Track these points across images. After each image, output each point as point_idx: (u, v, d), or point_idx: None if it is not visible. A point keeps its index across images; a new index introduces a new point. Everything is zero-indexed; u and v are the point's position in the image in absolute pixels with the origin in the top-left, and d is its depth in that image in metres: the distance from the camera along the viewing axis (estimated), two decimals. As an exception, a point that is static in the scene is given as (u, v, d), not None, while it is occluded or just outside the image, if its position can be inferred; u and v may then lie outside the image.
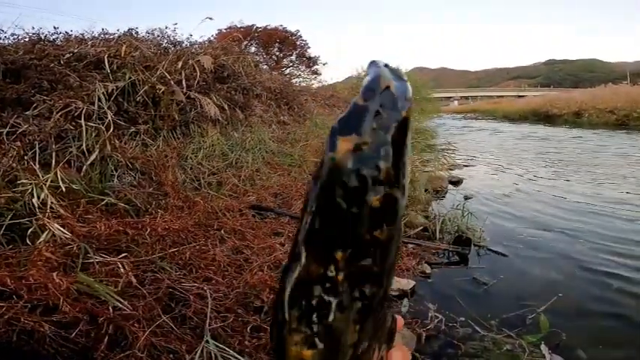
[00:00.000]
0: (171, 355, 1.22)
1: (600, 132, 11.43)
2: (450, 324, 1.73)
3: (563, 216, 3.44)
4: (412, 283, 1.96)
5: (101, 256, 1.68)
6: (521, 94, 43.94)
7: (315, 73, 18.84)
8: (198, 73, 4.29)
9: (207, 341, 1.24)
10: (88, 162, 2.70)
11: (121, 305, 1.34)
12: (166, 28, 5.01)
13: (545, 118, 17.86)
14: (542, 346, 1.58)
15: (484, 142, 9.79)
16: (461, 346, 1.60)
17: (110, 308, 1.32)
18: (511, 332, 1.68)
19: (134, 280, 1.50)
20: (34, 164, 2.38)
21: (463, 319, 1.78)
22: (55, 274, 1.36)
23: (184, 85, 3.93)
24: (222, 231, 2.01)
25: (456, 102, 46.26)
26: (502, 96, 44.29)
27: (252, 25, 18.34)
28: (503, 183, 4.83)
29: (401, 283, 1.92)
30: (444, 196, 3.86)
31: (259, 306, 1.49)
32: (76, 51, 3.59)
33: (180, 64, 4.25)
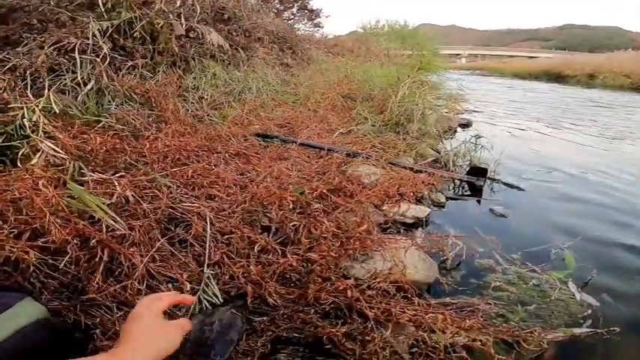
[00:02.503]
0: (169, 285, 1.11)
1: (615, 93, 11.03)
2: (471, 253, 1.63)
3: (577, 158, 3.32)
4: (427, 210, 1.86)
5: (97, 173, 1.57)
6: (533, 55, 42.24)
7: (318, 26, 17.98)
8: (198, 11, 4.01)
9: (204, 272, 1.15)
10: (84, 91, 2.55)
11: (115, 225, 1.19)
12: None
13: (557, 78, 17.24)
14: (570, 284, 1.49)
15: (492, 94, 9.46)
16: (484, 277, 1.51)
17: (104, 227, 1.17)
18: (535, 267, 1.58)
19: (131, 195, 1.37)
20: (27, 92, 2.24)
21: (483, 249, 1.68)
22: (41, 183, 1.24)
23: (183, 21, 3.68)
24: (226, 154, 1.89)
25: (463, 59, 44.61)
26: (513, 56, 42.60)
27: (250, -24, 17.24)
28: (513, 127, 4.68)
29: (416, 210, 1.82)
30: (453, 136, 3.71)
31: (267, 225, 1.38)
32: None
33: (178, 2, 3.97)
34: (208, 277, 1.15)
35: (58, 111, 2.10)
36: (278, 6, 18.62)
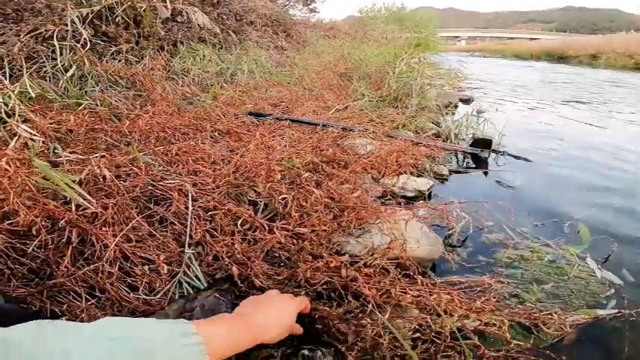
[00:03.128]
0: (145, 267, 0.99)
1: (617, 72, 10.78)
2: (478, 228, 1.50)
3: (586, 132, 3.18)
4: (430, 183, 1.74)
5: (73, 154, 1.46)
6: (534, 36, 41.58)
7: (313, 11, 17.64)
8: (185, -6, 3.86)
9: (185, 252, 1.04)
10: (66, 77, 2.44)
11: (85, 203, 1.07)
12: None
13: (559, 59, 16.94)
14: (589, 260, 1.35)
15: (492, 73, 9.24)
16: (494, 253, 1.39)
17: (73, 208, 1.05)
18: (549, 241, 1.45)
19: (107, 173, 1.25)
20: (4, 80, 2.13)
21: (492, 223, 1.55)
22: (5, 161, 1.13)
23: (168, 3, 3.54)
24: (215, 132, 1.77)
25: (463, 42, 43.97)
26: (513, 38, 41.93)
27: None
28: (517, 103, 4.54)
29: (417, 182, 1.70)
30: (454, 111, 3.56)
31: (254, 199, 1.25)
32: None
33: (163, -16, 3.81)
34: (189, 258, 1.04)
35: (34, 95, 1.99)
36: (272, -8, 18.33)
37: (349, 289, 1.03)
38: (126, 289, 0.95)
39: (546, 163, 2.31)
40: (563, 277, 1.28)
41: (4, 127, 1.75)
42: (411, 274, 1.13)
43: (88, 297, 0.92)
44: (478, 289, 1.17)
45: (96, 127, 1.64)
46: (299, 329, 0.80)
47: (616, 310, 1.12)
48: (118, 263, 0.98)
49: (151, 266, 1.00)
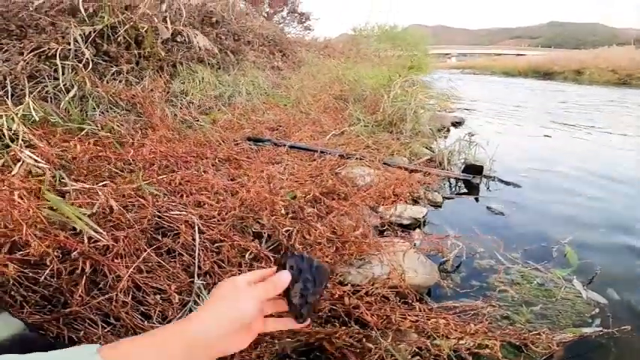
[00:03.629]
0: (157, 297, 1.04)
1: (601, 88, 11.16)
2: (471, 254, 1.59)
3: (572, 153, 3.31)
4: (424, 210, 1.81)
5: (79, 182, 1.50)
6: (521, 52, 42.79)
7: (308, 29, 17.98)
8: (184, 15, 3.94)
9: (195, 282, 1.08)
10: (67, 98, 2.47)
11: (97, 236, 1.12)
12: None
13: (545, 75, 17.47)
14: (575, 281, 1.44)
15: (483, 91, 9.50)
16: (486, 278, 1.46)
17: (85, 239, 1.10)
18: (538, 265, 1.54)
19: (115, 205, 1.30)
20: (7, 100, 2.16)
21: (483, 250, 1.64)
22: (17, 194, 1.17)
23: (169, 24, 3.61)
24: (216, 160, 1.82)
25: (453, 59, 45.10)
26: (501, 54, 43.10)
27: (239, -20, 17.28)
28: (505, 125, 4.68)
29: (413, 210, 1.77)
30: (447, 135, 3.68)
31: (258, 231, 1.31)
32: None
33: (164, 6, 3.89)
34: (199, 288, 1.09)
35: (37, 119, 2.02)
36: (267, 9, 18.60)
37: (352, 316, 1.10)
38: (140, 317, 0.99)
39: (535, 188, 2.40)
40: (551, 299, 1.36)
41: (7, 152, 1.77)
42: (410, 301, 1.22)
43: (103, 324, 0.95)
44: (472, 312, 1.26)
45: (100, 154, 1.67)
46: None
47: (600, 328, 1.21)
48: (131, 293, 1.02)
49: (162, 295, 1.04)
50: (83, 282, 1.01)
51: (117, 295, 1.00)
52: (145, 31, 3.32)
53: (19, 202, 1.18)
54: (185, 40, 3.67)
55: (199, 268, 1.14)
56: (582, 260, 1.58)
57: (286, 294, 0.51)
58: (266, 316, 0.54)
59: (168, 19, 3.60)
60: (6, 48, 2.64)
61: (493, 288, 1.40)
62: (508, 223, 1.93)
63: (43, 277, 1.01)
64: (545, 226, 1.90)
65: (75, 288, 1.00)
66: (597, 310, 1.31)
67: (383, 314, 1.15)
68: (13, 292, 0.98)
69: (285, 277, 0.50)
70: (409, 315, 1.16)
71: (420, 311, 1.18)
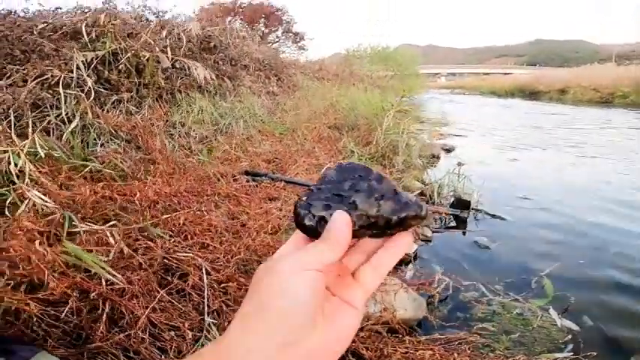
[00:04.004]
0: (172, 333, 1.15)
1: (585, 109, 11.57)
2: (457, 287, 1.70)
3: (554, 181, 3.47)
4: (415, 246, 1.91)
5: (87, 225, 1.57)
6: (507, 71, 44.11)
7: (302, 48, 18.34)
8: (184, 42, 4.06)
9: (205, 320, 1.17)
10: (69, 129, 2.53)
11: (113, 279, 1.23)
12: (148, -1, 4.71)
13: (531, 94, 18.04)
14: (552, 311, 1.57)
15: (473, 114, 9.80)
16: (470, 309, 1.58)
17: (103, 282, 1.20)
18: (518, 296, 1.66)
19: (126, 249, 1.39)
20: (10, 132, 2.21)
21: (468, 282, 1.75)
22: (37, 242, 1.25)
23: (169, 53, 3.72)
24: (216, 196, 1.91)
25: (443, 78, 46.28)
26: (488, 73, 44.32)
27: (236, 1, 17.65)
28: (495, 152, 4.87)
29: (404, 247, 1.87)
30: (437, 163, 3.84)
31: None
32: (50, 21, 3.33)
33: (164, 33, 4.01)
34: (209, 325, 1.18)
35: (43, 155, 2.08)
36: (263, 29, 18.93)
37: (348, 349, 1.20)
38: (157, 351, 1.08)
39: (519, 220, 2.53)
40: (529, 328, 1.48)
41: (14, 190, 1.82)
42: (400, 335, 1.34)
43: (124, 358, 1.04)
44: (457, 342, 1.38)
45: (106, 194, 1.74)
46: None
47: (571, 353, 1.33)
48: (148, 329, 1.11)
49: (176, 332, 1.13)
50: (104, 320, 1.10)
51: (135, 332, 1.10)
52: (147, 60, 3.42)
53: (35, 246, 1.25)
54: (184, 66, 3.79)
55: (208, 306, 1.24)
56: (559, 291, 1.70)
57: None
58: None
59: (168, 47, 3.72)
60: (9, 74, 2.70)
61: (477, 319, 1.53)
62: (493, 257, 2.05)
63: (63, 314, 1.10)
64: (526, 259, 2.02)
65: (95, 325, 1.10)
66: (570, 336, 1.44)
67: (376, 347, 1.27)
68: (35, 328, 1.07)
69: (339, 216, 0.30)
70: (399, 347, 1.29)
71: (409, 343, 1.31)
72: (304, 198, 0.32)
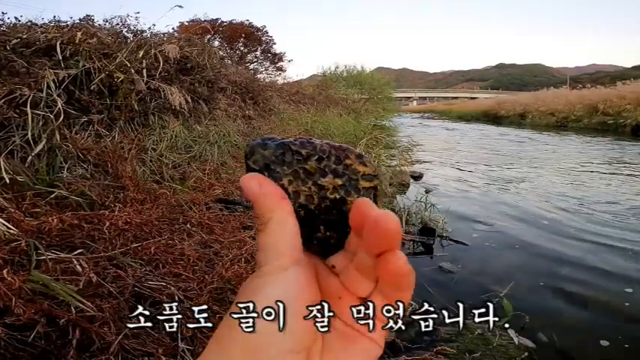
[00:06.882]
0: (146, 358, 1.15)
1: (541, 133, 12.39)
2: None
3: (512, 204, 3.71)
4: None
5: (54, 253, 1.54)
6: (473, 95, 46.62)
7: (280, 69, 18.63)
8: (161, 63, 4.06)
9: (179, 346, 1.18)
10: (34, 152, 2.46)
11: (83, 306, 1.22)
12: (128, 16, 4.68)
13: (494, 119, 19.13)
14: (510, 330, 1.68)
15: (441, 139, 10.25)
16: (435, 332, 1.65)
17: (72, 309, 1.19)
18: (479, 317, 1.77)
19: (95, 277, 1.38)
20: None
21: (435, 306, 1.84)
22: (5, 271, 1.22)
23: (145, 75, 3.70)
24: (188, 225, 1.91)
25: (414, 102, 48.16)
26: (456, 97, 46.62)
27: (217, 19, 17.79)
28: (459, 176, 5.15)
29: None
30: (407, 190, 4.00)
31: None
32: (24, 36, 3.25)
33: (141, 53, 3.99)
34: (183, 351, 1.18)
35: (8, 181, 2.03)
36: (242, 48, 19.08)
37: None
38: None
39: (480, 245, 2.69)
40: (489, 347, 1.59)
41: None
42: None
43: None
44: None
45: (73, 222, 1.72)
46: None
47: None
48: (120, 355, 1.10)
49: (150, 358, 1.14)
50: (74, 345, 1.10)
51: (107, 357, 1.09)
52: (121, 82, 3.39)
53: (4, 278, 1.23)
54: (159, 89, 3.77)
55: (181, 333, 1.24)
56: (517, 310, 1.82)
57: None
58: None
59: (144, 69, 3.70)
60: (-24, 91, 2.60)
61: (441, 339, 1.62)
62: (456, 280, 2.18)
63: (31, 338, 1.09)
64: (486, 281, 2.16)
65: (65, 349, 1.09)
66: (527, 353, 1.54)
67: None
68: (2, 351, 1.06)
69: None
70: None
71: (377, 366, 1.39)
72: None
